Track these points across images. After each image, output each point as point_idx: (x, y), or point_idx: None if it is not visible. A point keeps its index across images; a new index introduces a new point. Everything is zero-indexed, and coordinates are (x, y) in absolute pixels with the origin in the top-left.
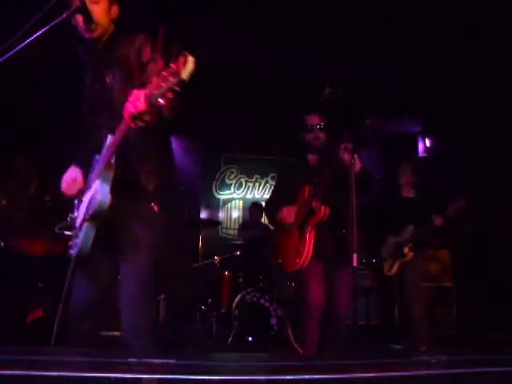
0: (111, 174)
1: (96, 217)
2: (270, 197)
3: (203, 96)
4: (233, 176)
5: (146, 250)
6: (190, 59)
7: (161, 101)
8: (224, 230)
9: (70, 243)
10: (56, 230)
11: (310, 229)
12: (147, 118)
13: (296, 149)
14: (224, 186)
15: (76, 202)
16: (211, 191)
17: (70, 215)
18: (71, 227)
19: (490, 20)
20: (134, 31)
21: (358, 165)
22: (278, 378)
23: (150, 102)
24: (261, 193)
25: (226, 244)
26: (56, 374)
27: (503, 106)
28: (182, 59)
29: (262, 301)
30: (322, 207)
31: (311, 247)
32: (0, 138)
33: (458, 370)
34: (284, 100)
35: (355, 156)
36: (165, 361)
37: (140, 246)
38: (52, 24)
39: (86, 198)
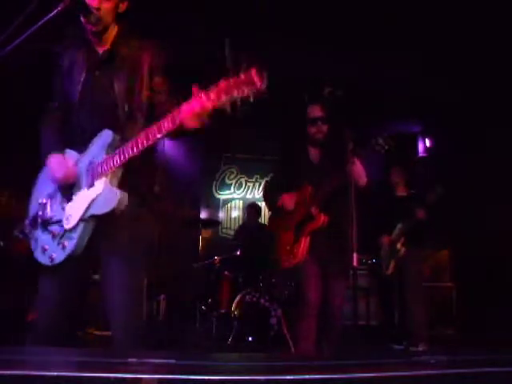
0: (119, 175)
1: (105, 217)
2: (271, 180)
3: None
4: (233, 176)
5: (142, 253)
6: (263, 74)
7: (227, 108)
8: (224, 230)
9: (45, 249)
10: (16, 233)
11: (305, 234)
12: (206, 119)
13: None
14: (224, 185)
15: (43, 201)
16: (211, 191)
17: (31, 215)
18: (34, 229)
19: (489, 20)
20: (139, 33)
21: (364, 179)
22: (278, 377)
23: (217, 104)
24: (261, 193)
25: (225, 244)
26: (56, 374)
27: (503, 106)
28: (253, 71)
29: (262, 301)
30: (321, 216)
31: (304, 251)
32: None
33: (457, 370)
34: (284, 100)
35: (362, 169)
36: (165, 361)
37: (137, 247)
38: (47, 18)
39: (79, 198)
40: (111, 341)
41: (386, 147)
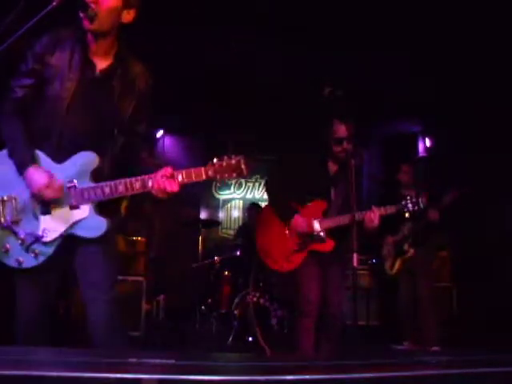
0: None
1: (89, 239)
2: (281, 186)
3: (203, 96)
4: None
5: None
6: (250, 164)
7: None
8: (224, 230)
9: (6, 248)
10: None
11: (307, 249)
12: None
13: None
14: (224, 185)
15: (4, 198)
16: (211, 191)
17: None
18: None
19: (489, 20)
20: (136, 54)
21: (375, 224)
22: (277, 377)
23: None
24: (261, 193)
25: (226, 244)
26: (56, 373)
27: (504, 106)
28: (243, 160)
29: (261, 301)
30: (330, 241)
31: (302, 260)
32: None
33: (458, 370)
34: (284, 100)
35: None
36: (165, 361)
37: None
38: (43, 13)
39: (58, 214)
40: (92, 340)
41: (422, 205)
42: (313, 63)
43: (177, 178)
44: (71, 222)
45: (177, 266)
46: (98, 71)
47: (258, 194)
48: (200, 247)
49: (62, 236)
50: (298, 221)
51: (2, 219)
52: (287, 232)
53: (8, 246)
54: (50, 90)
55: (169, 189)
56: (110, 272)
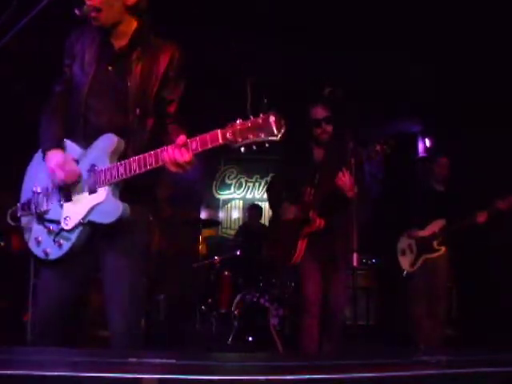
0: (121, 185)
1: (105, 226)
2: (274, 182)
3: (203, 96)
4: (233, 176)
5: (140, 255)
6: (282, 122)
7: (242, 149)
8: (224, 230)
9: (38, 240)
10: (9, 220)
11: (302, 237)
12: (189, 168)
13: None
14: (224, 185)
15: (37, 190)
16: (211, 191)
17: (24, 201)
18: (27, 216)
19: (490, 20)
20: (161, 31)
21: (351, 192)
22: (278, 377)
23: (230, 145)
24: (261, 193)
25: (226, 244)
26: (56, 373)
27: (504, 106)
28: (272, 117)
29: (261, 301)
30: (317, 219)
31: (302, 253)
32: None
33: (458, 370)
34: (284, 100)
35: (350, 180)
36: (165, 361)
37: (136, 250)
38: (37, 9)
39: (78, 200)
40: (111, 340)
41: (388, 151)
42: (313, 63)
43: (190, 147)
44: (89, 206)
45: (177, 266)
46: (115, 49)
47: (258, 194)
48: (200, 247)
49: (81, 223)
50: (290, 209)
51: (34, 209)
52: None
53: (40, 238)
54: (75, 79)
55: (180, 159)
56: (131, 291)
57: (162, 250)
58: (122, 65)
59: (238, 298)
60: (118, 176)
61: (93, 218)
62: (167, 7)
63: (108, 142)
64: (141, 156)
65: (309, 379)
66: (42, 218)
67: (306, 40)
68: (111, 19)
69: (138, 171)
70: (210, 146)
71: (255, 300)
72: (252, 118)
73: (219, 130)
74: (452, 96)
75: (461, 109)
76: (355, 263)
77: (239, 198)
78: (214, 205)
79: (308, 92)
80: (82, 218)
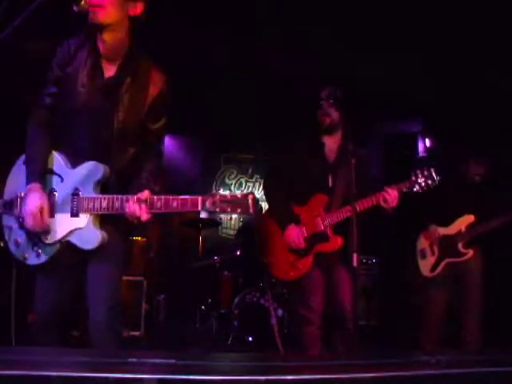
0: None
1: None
2: (275, 171)
3: (203, 96)
4: (233, 176)
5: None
6: (255, 203)
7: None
8: (224, 230)
9: (18, 242)
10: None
11: (314, 252)
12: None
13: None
14: (224, 185)
15: (21, 195)
16: (211, 191)
17: (6, 199)
18: (7, 215)
19: (490, 20)
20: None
21: (394, 204)
22: (277, 377)
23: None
24: (261, 193)
25: (226, 244)
26: (56, 373)
27: (504, 106)
28: (251, 197)
29: (261, 301)
30: (338, 239)
31: (309, 266)
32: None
33: (458, 369)
34: (284, 100)
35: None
36: (165, 361)
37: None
38: (33, 6)
39: (60, 219)
40: (90, 332)
41: (437, 181)
42: (313, 63)
43: (154, 205)
44: (69, 229)
45: (177, 266)
46: (105, 78)
47: (258, 194)
48: (200, 247)
49: (60, 241)
50: (291, 233)
51: (17, 213)
52: None
53: (19, 240)
54: (66, 98)
55: (137, 215)
56: (108, 292)
57: (161, 249)
58: (111, 93)
59: (237, 298)
60: (100, 209)
61: (73, 240)
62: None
63: (93, 171)
64: (111, 197)
65: (309, 379)
66: (23, 224)
67: (306, 40)
68: (110, 19)
69: (119, 210)
70: (184, 210)
71: (255, 300)
72: (231, 193)
73: (200, 198)
74: (452, 96)
75: (461, 109)
76: (355, 263)
77: None
78: None
79: (308, 92)
80: (62, 238)
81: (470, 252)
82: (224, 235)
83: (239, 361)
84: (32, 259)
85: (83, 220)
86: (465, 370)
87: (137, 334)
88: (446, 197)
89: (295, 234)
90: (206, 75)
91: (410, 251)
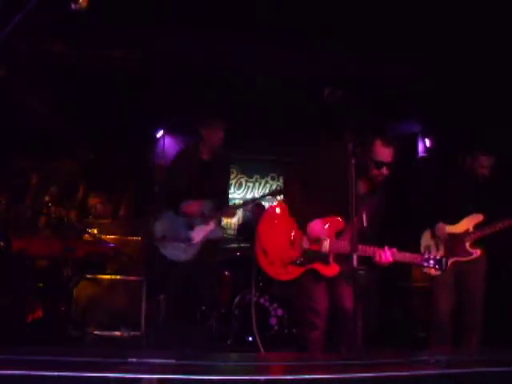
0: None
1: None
2: (303, 195)
3: (203, 96)
4: (233, 176)
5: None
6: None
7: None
8: (224, 230)
9: (174, 251)
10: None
11: (310, 267)
12: None
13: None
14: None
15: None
16: None
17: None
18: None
19: (490, 20)
20: None
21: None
22: (278, 377)
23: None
24: (261, 193)
25: (226, 244)
26: (56, 373)
27: (504, 106)
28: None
29: (261, 301)
30: (334, 265)
31: (298, 275)
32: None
33: (457, 369)
34: (284, 100)
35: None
36: (165, 361)
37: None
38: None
39: (201, 229)
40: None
41: (444, 268)
42: (313, 63)
43: None
44: (205, 232)
45: (177, 266)
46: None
47: (258, 194)
48: None
49: (201, 241)
50: (315, 226)
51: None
52: (292, 237)
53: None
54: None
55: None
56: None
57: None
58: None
59: (237, 298)
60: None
61: (209, 236)
62: (167, 7)
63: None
64: None
65: (309, 379)
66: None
67: (306, 40)
68: None
69: None
70: None
71: (255, 300)
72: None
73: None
74: (452, 96)
75: (461, 109)
76: (355, 263)
77: (239, 198)
78: None
79: (308, 92)
80: (202, 238)
81: (478, 251)
82: (224, 235)
83: (239, 361)
84: (182, 256)
85: (212, 225)
86: (465, 369)
87: (137, 334)
88: (453, 194)
89: (319, 224)
90: (206, 75)
91: (413, 250)
